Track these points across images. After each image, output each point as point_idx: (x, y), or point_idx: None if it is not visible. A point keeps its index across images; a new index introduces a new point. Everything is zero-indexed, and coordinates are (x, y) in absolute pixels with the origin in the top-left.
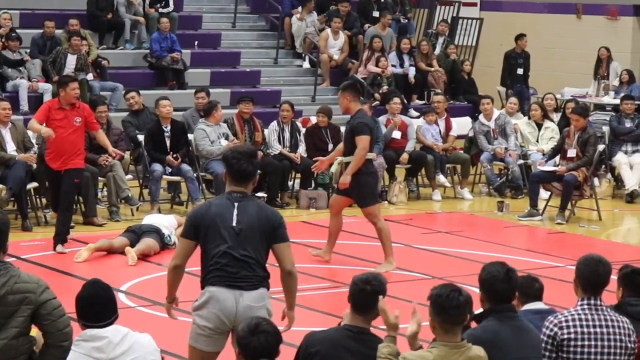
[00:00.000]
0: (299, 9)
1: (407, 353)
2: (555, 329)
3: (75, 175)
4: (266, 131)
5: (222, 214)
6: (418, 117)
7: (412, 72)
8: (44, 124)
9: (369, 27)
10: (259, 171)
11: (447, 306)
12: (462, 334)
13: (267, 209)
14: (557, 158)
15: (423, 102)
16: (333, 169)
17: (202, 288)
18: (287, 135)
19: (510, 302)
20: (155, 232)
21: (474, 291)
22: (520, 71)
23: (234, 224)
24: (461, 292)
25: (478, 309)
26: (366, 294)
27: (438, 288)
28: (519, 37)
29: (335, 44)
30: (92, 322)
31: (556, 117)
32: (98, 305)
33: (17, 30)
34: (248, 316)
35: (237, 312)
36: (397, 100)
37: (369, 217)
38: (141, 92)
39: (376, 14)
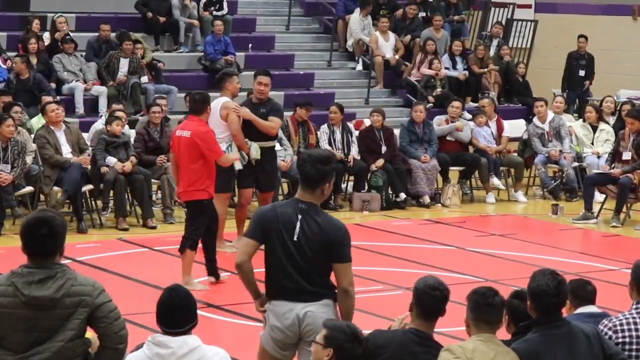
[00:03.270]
0: (358, 9)
1: (451, 345)
2: (610, 333)
3: None
4: (317, 134)
5: (286, 225)
6: (471, 120)
7: (461, 70)
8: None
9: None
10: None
11: (480, 303)
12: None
13: (331, 224)
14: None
15: (477, 104)
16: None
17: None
18: (337, 137)
19: (559, 312)
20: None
21: None
22: (581, 73)
23: (295, 238)
24: (497, 294)
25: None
26: (437, 300)
27: (477, 288)
28: (578, 38)
29: (386, 45)
30: (167, 328)
31: (612, 119)
32: (172, 313)
33: (73, 34)
34: (313, 324)
35: (300, 322)
36: (457, 104)
37: (270, 199)
38: None
39: (422, 14)
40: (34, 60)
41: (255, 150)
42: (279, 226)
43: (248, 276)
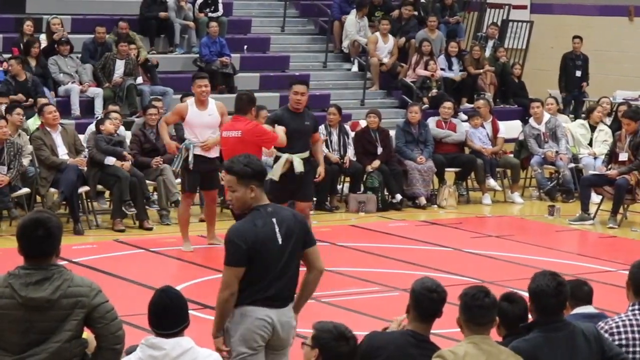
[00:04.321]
0: (354, 11)
1: (442, 350)
2: (607, 335)
3: None
4: None
5: (270, 236)
6: (467, 121)
7: (457, 71)
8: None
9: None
10: None
11: (471, 305)
12: (507, 344)
13: (295, 213)
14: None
15: (472, 105)
16: (301, 167)
17: (236, 306)
18: (334, 138)
19: (559, 314)
20: None
21: (527, 296)
22: (578, 73)
23: (280, 242)
24: (488, 295)
25: None
26: (435, 302)
27: (468, 288)
28: (573, 38)
29: (384, 48)
30: (159, 330)
31: (608, 120)
32: (164, 315)
33: (69, 36)
34: (286, 329)
35: (274, 328)
36: (448, 104)
37: (309, 210)
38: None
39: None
40: (33, 63)
41: (298, 163)
42: (264, 240)
43: (229, 310)
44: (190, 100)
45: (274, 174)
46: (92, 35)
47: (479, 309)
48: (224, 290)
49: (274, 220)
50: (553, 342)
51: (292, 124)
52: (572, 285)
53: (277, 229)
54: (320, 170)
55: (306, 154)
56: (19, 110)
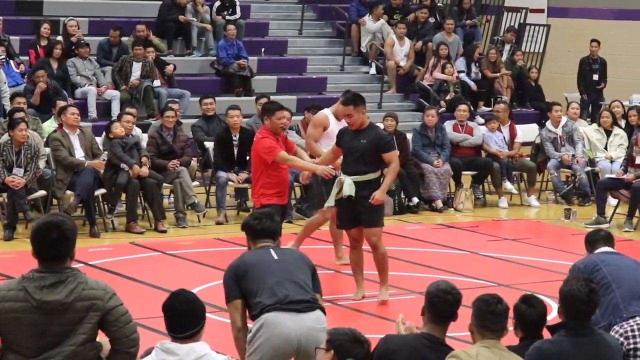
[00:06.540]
0: (368, 14)
1: (456, 351)
2: (622, 339)
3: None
4: None
5: (260, 257)
6: (484, 124)
7: (472, 81)
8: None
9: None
10: None
11: (484, 311)
12: (524, 347)
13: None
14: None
15: (489, 108)
16: (350, 190)
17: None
18: None
19: (588, 320)
20: None
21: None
22: (595, 77)
23: (276, 257)
24: (501, 302)
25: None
26: (449, 304)
27: (481, 295)
28: (591, 42)
29: (401, 50)
30: (173, 333)
31: (623, 124)
32: (177, 318)
33: (86, 38)
34: (312, 340)
35: (299, 335)
36: (463, 107)
37: (374, 238)
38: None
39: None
40: (54, 65)
41: (348, 186)
42: (252, 262)
43: (244, 345)
44: (327, 110)
45: (330, 199)
46: (108, 37)
47: (491, 315)
48: (234, 329)
49: (272, 250)
50: (578, 347)
51: (345, 141)
52: (588, 235)
53: (272, 251)
54: (376, 193)
55: (366, 177)
56: (18, 114)
